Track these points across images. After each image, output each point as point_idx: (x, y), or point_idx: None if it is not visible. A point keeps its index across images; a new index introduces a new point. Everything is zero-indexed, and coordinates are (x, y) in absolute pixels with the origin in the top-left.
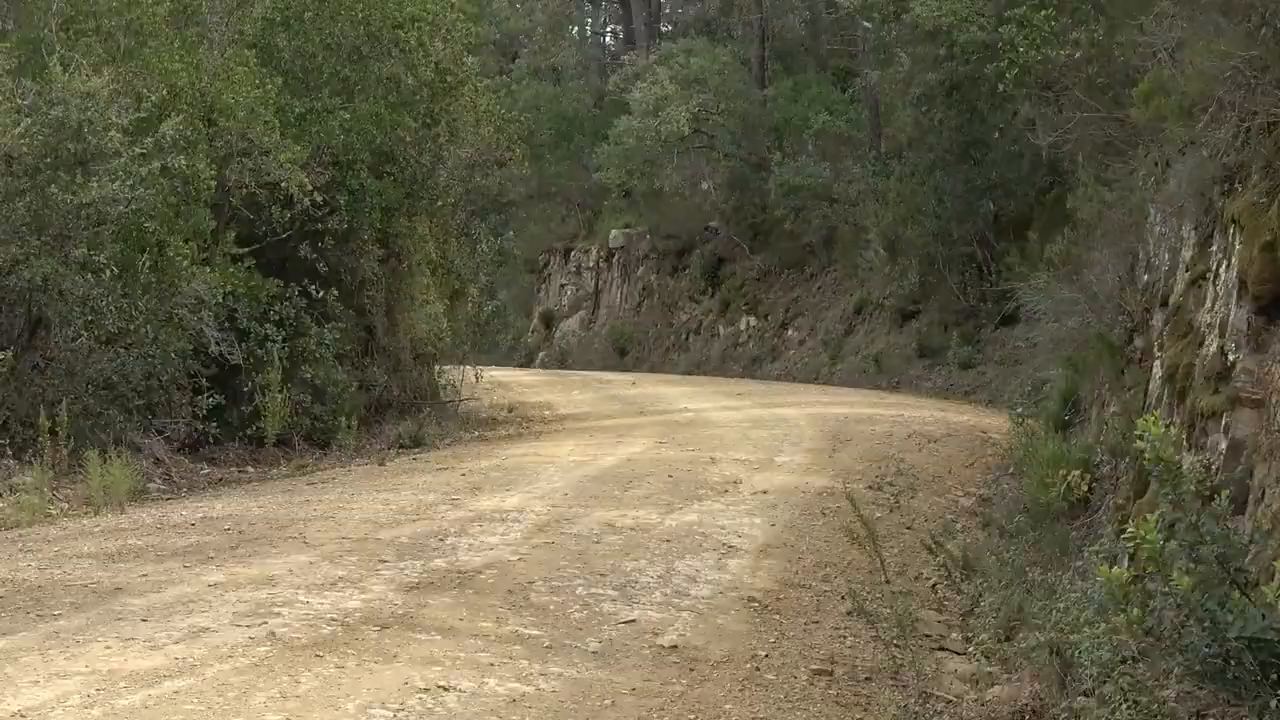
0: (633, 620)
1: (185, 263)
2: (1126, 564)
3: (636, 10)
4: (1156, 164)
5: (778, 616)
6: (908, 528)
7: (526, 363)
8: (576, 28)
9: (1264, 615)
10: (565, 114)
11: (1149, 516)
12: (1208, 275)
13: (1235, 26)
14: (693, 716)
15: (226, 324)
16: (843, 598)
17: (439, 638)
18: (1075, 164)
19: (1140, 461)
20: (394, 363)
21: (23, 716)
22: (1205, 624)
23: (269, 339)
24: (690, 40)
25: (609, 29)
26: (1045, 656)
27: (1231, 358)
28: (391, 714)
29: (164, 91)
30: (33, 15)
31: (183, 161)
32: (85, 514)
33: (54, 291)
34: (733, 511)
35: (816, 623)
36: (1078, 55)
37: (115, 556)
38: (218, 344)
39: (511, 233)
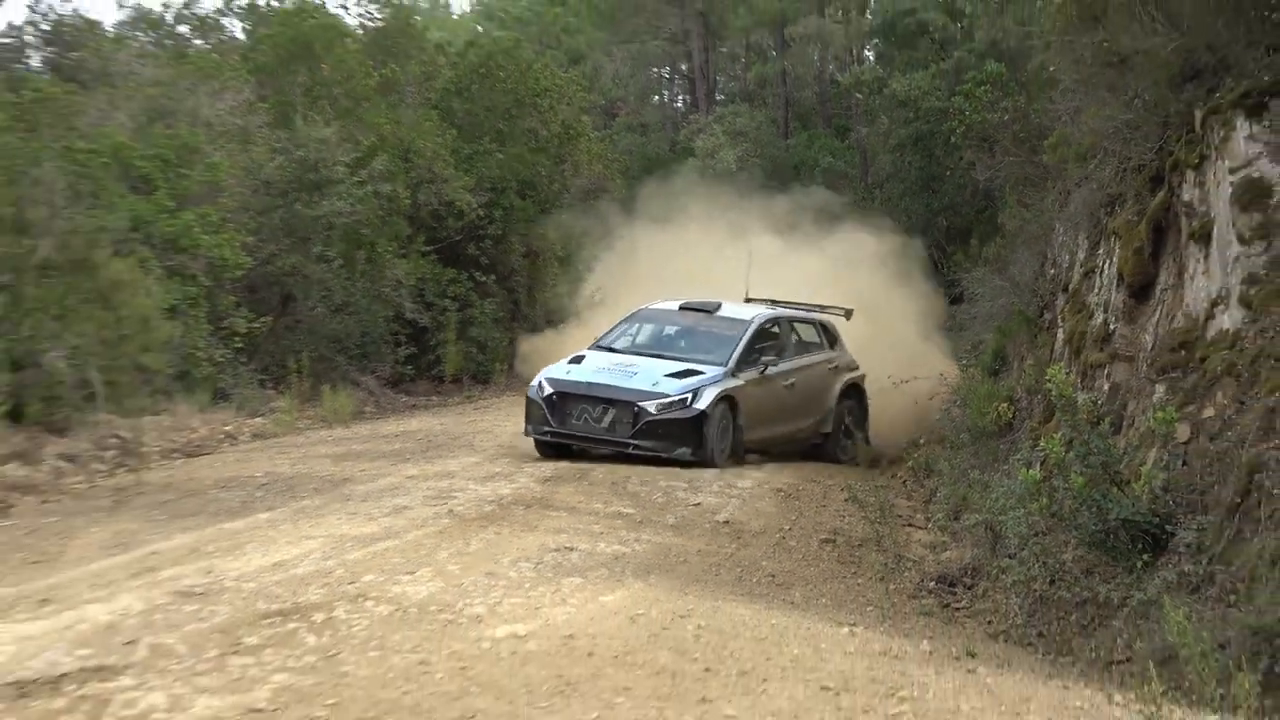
0: (698, 504)
1: (389, 256)
2: (1038, 468)
3: (699, 84)
4: (1060, 193)
5: (797, 502)
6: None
7: None
8: (658, 96)
9: (1134, 504)
10: (649, 156)
11: (1054, 435)
12: (1095, 270)
13: (1116, 98)
14: (739, 569)
15: (418, 298)
16: (842, 490)
17: (565, 515)
18: (1004, 192)
19: (1048, 397)
20: (532, 326)
21: (280, 566)
22: (1093, 509)
23: (447, 309)
24: (736, 105)
25: (681, 97)
26: (982, 531)
27: (1112, 326)
28: (533, 564)
29: (374, 138)
30: (283, 85)
31: (387, 187)
32: (321, 428)
33: (299, 276)
34: None
35: (825, 507)
36: (1006, 117)
37: (343, 457)
38: (411, 312)
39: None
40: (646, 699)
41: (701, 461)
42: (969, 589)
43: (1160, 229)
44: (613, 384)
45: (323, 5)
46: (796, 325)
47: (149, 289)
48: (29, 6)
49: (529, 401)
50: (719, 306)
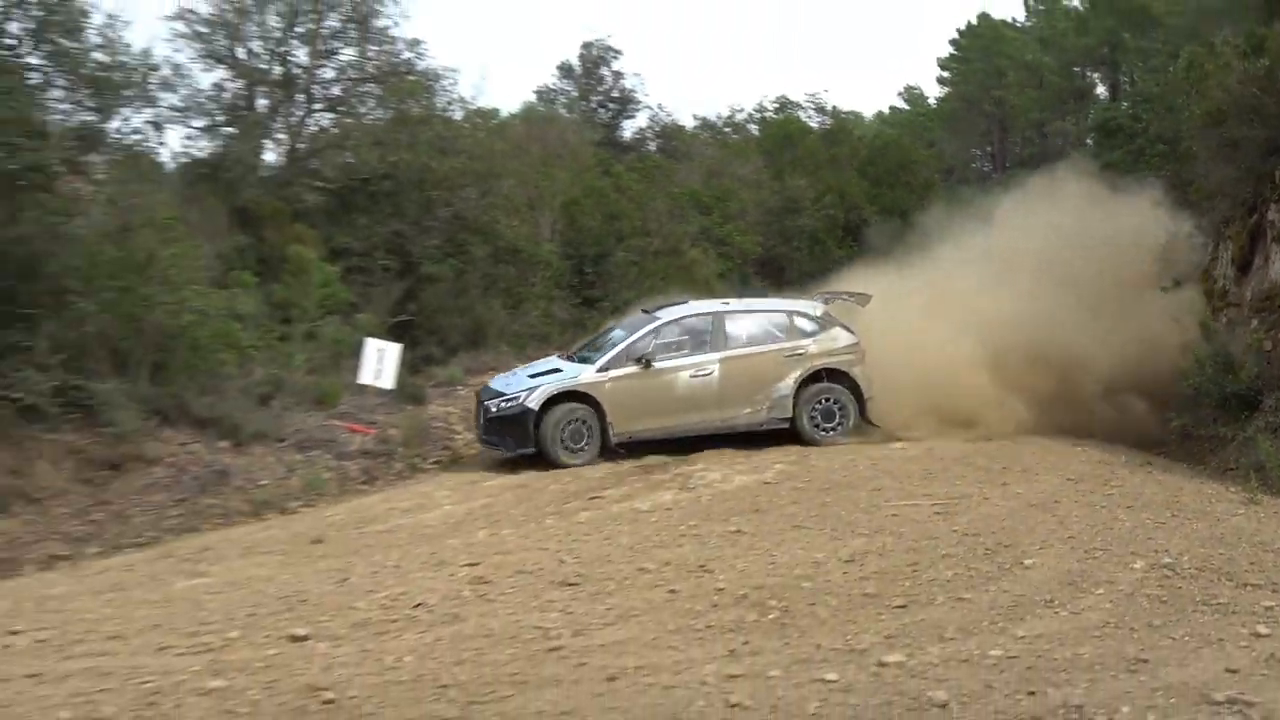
0: None
1: (832, 247)
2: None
3: (998, 158)
4: (1200, 215)
5: None
6: None
7: None
8: (974, 164)
9: (1240, 384)
10: (969, 200)
11: (1200, 346)
12: (1218, 257)
13: (1230, 164)
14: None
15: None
16: None
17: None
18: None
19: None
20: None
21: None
22: (1218, 386)
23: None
24: (1017, 170)
25: (986, 165)
26: None
27: (1228, 288)
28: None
29: (825, 186)
30: (777, 158)
31: (831, 211)
32: None
33: (785, 258)
34: None
35: None
36: (1168, 175)
37: None
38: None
39: None
40: (972, 481)
41: (549, 462)
42: None
43: (1255, 235)
44: (490, 386)
45: (798, 117)
46: (742, 319)
47: (708, 264)
48: (649, 119)
49: None
50: (662, 307)
